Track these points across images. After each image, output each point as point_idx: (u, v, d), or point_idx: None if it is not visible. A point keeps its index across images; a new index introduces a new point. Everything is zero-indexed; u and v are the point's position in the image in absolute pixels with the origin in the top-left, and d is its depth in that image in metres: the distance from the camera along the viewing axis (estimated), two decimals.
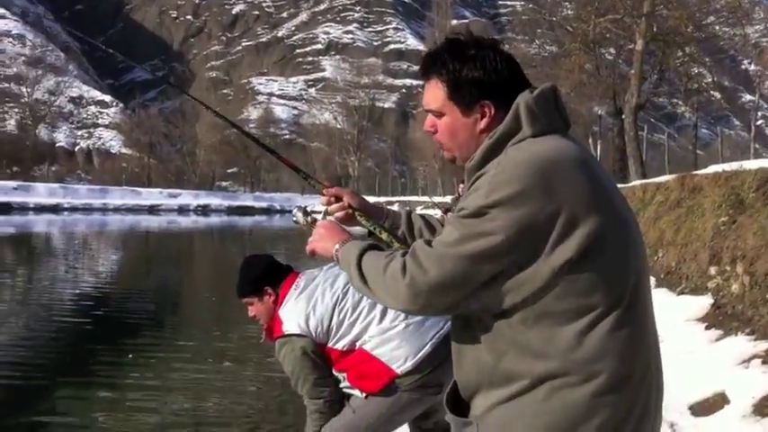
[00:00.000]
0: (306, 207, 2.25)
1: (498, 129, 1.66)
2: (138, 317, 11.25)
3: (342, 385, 3.30)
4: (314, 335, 3.24)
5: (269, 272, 3.49)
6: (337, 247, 1.85)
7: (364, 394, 3.22)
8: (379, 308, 3.26)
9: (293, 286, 3.40)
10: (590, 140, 27.63)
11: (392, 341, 3.18)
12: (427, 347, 3.18)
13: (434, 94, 1.75)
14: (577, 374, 1.55)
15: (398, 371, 3.15)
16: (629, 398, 1.58)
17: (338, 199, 2.12)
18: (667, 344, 7.17)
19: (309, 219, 2.16)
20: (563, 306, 1.55)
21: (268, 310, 3.44)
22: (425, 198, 36.48)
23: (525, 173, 1.53)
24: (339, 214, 2.11)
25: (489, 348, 1.64)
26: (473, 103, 1.71)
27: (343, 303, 3.28)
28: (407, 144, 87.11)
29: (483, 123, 1.71)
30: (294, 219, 2.20)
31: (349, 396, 3.30)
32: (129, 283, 16.38)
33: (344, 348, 3.25)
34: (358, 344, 3.24)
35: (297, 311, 3.29)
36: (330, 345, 3.26)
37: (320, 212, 2.21)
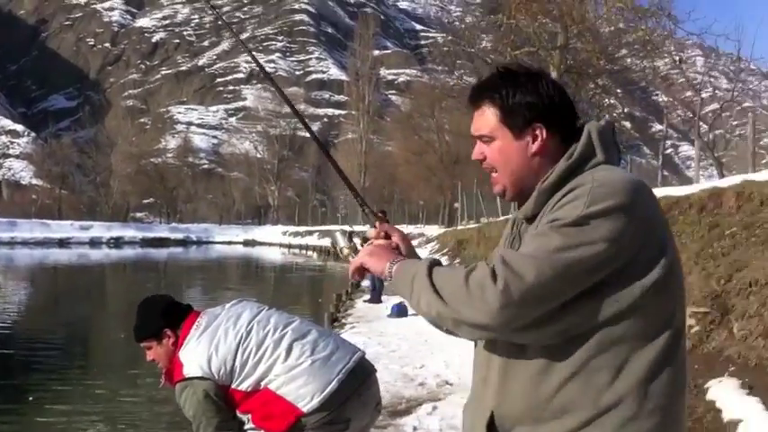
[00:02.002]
0: (350, 232, 2.11)
1: (575, 152, 1.67)
2: (42, 357, 10.79)
3: (246, 427, 3.20)
4: (216, 377, 3.13)
5: (167, 313, 3.34)
6: (391, 262, 1.76)
7: None
8: (284, 346, 3.17)
9: (194, 326, 3.27)
10: None
11: (298, 379, 3.10)
12: (334, 383, 3.11)
13: (486, 119, 1.76)
14: (648, 405, 1.52)
15: (304, 409, 3.07)
16: None
17: (387, 237, 1.96)
18: None
19: (351, 244, 2.04)
20: (644, 329, 1.54)
21: (167, 353, 3.30)
22: (345, 227, 36.19)
23: (625, 189, 1.55)
24: None
25: (551, 374, 1.57)
26: (525, 127, 1.72)
27: (246, 342, 3.18)
28: (328, 173, 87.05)
29: (535, 146, 1.72)
30: (332, 241, 2.08)
31: None
32: (34, 321, 15.76)
33: (249, 389, 3.14)
34: (263, 384, 3.14)
35: (198, 353, 3.17)
36: (234, 386, 3.16)
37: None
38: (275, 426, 3.09)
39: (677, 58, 22.40)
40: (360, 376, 3.23)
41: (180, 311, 3.36)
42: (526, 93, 1.71)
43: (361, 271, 1.84)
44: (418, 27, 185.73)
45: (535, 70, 1.78)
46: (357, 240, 2.06)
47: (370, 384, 3.29)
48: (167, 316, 3.32)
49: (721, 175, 15.50)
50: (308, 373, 3.10)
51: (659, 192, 10.45)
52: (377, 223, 2.00)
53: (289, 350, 3.15)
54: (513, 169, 1.74)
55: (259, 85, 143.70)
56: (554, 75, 21.86)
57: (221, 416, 3.14)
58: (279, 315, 3.38)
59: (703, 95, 23.88)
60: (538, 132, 1.70)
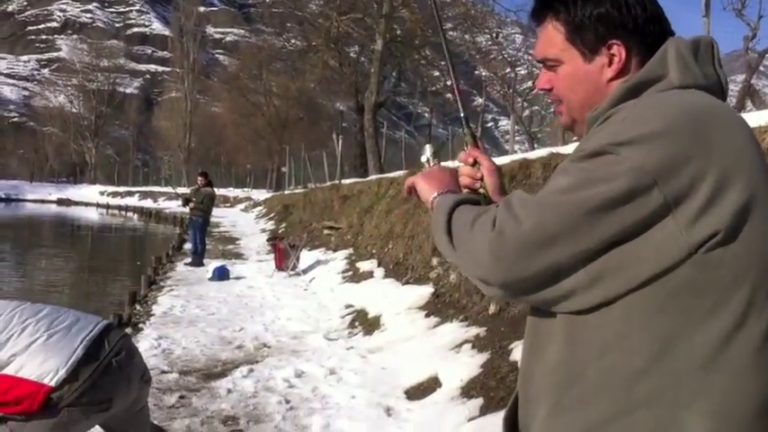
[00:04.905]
0: (435, 150, 1.82)
1: (638, 73, 1.33)
2: None
3: None
4: None
5: None
6: (436, 193, 1.48)
7: (23, 417, 2.90)
8: (15, 325, 2.96)
9: None
10: (334, 136, 28.29)
11: (37, 357, 2.90)
12: (79, 351, 2.95)
13: (550, 38, 1.42)
14: (695, 408, 1.15)
15: (52, 383, 2.87)
16: None
17: (476, 164, 1.63)
18: (390, 332, 7.51)
19: (435, 161, 1.75)
20: (695, 302, 1.16)
21: None
22: (168, 189, 35.18)
23: (674, 113, 1.19)
24: (465, 180, 1.60)
25: (576, 352, 1.24)
26: (598, 46, 1.36)
27: None
28: (151, 132, 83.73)
29: (611, 71, 1.36)
30: (424, 156, 1.77)
31: (6, 420, 2.94)
32: None
33: None
34: None
35: None
36: None
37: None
38: (25, 408, 2.87)
39: (494, 34, 23.42)
40: (112, 346, 3.08)
41: None
42: (598, 3, 1.36)
43: (414, 191, 1.59)
44: None
45: None
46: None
47: (131, 355, 3.19)
48: None
49: (532, 148, 16.54)
50: (48, 347, 2.93)
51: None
52: (470, 148, 1.65)
53: (22, 329, 2.96)
54: (581, 100, 1.41)
55: (75, 36, 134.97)
56: (379, 43, 22.32)
57: None
58: (7, 301, 3.17)
59: (522, 72, 25.11)
60: (615, 51, 1.35)
